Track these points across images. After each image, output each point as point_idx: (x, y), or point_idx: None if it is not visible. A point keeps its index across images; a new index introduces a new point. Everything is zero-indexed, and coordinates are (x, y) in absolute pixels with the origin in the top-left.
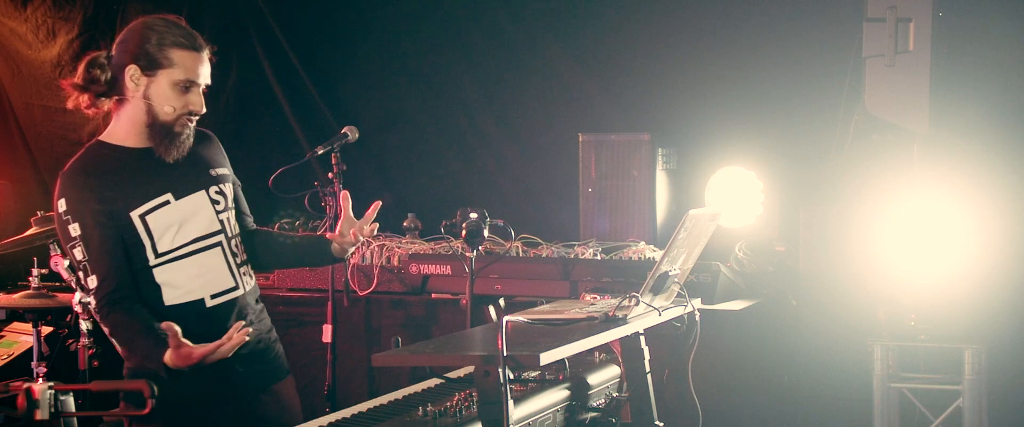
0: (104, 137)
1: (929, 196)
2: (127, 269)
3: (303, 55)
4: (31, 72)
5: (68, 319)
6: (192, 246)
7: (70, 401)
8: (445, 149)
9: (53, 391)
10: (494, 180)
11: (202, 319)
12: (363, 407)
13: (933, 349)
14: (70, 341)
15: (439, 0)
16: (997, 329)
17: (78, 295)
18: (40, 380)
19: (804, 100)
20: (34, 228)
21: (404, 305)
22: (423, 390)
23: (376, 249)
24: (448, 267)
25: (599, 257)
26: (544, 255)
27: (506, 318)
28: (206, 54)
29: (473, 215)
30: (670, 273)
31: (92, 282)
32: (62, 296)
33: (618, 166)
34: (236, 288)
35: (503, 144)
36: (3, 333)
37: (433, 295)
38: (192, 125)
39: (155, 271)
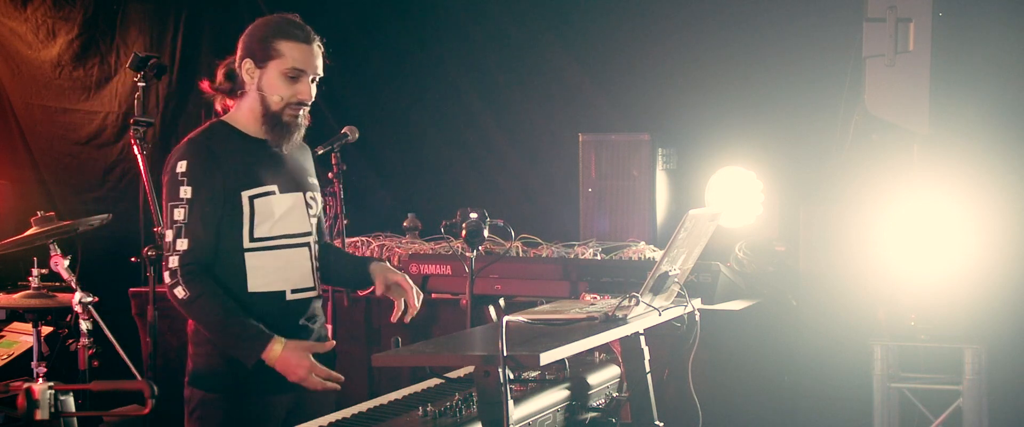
0: (227, 119)
1: (929, 196)
2: (215, 247)
3: None
4: (31, 72)
5: (68, 319)
6: (284, 240)
7: (70, 401)
8: (445, 149)
9: (53, 391)
10: (494, 180)
11: (280, 310)
12: (363, 407)
13: (933, 349)
14: (70, 341)
15: (440, 1)
16: (997, 329)
17: (78, 295)
18: (40, 380)
19: (804, 100)
20: (34, 228)
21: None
22: (423, 390)
23: (376, 249)
24: (448, 267)
25: (599, 257)
26: (544, 255)
27: (506, 318)
28: (315, 46)
29: (473, 215)
30: (670, 273)
31: (182, 244)
32: (62, 296)
33: (618, 166)
34: (313, 289)
35: (503, 144)
36: (3, 333)
37: (433, 295)
38: (302, 114)
39: (247, 255)
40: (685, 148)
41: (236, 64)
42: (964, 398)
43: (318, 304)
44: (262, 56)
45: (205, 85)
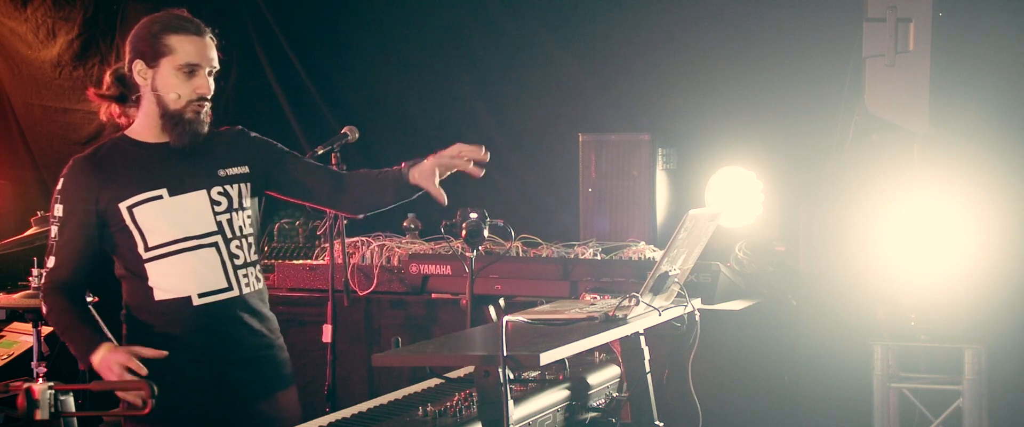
0: (128, 132)
1: (929, 196)
2: (85, 266)
3: (303, 55)
4: (31, 72)
5: None
6: (183, 243)
7: (70, 401)
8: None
9: (53, 391)
10: (494, 180)
11: (189, 317)
12: (363, 407)
13: (933, 349)
14: None
15: (440, 1)
16: (997, 329)
17: None
18: (40, 380)
19: (804, 100)
20: (34, 228)
21: (404, 305)
22: (423, 390)
23: (376, 249)
24: (448, 267)
25: (599, 257)
26: (544, 255)
27: (506, 318)
28: (207, 38)
29: (473, 215)
30: (670, 273)
31: (50, 262)
32: None
33: (618, 166)
34: (230, 289)
35: (503, 144)
36: (3, 333)
37: (433, 295)
38: (205, 110)
39: (147, 266)
40: (685, 148)
41: (126, 68)
42: (964, 398)
43: (251, 302)
44: (152, 54)
45: (90, 93)
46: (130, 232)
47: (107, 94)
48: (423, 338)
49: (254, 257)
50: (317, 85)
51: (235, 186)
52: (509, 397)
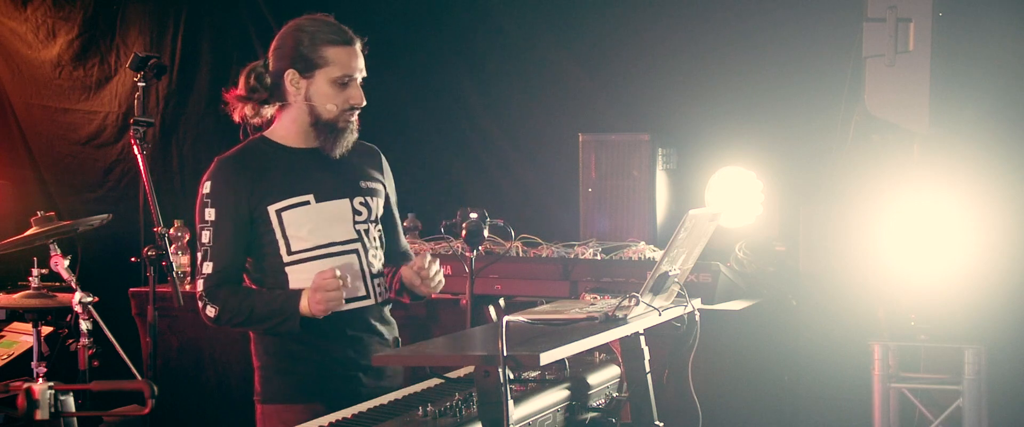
0: (268, 134)
1: (929, 196)
2: (241, 267)
3: None
4: (31, 72)
5: (68, 319)
6: (326, 249)
7: (70, 401)
8: (445, 149)
9: (53, 391)
10: (494, 180)
11: (327, 322)
12: (363, 407)
13: (933, 349)
14: (70, 341)
15: (439, 0)
16: (997, 329)
17: (78, 295)
18: (40, 380)
19: (804, 100)
20: (34, 228)
21: (404, 305)
22: (423, 390)
23: None
24: (448, 267)
25: (599, 257)
26: (544, 255)
27: (506, 318)
28: (358, 47)
29: (473, 215)
30: (670, 273)
31: (207, 267)
32: (62, 296)
33: (618, 166)
34: (367, 297)
35: (503, 144)
36: (3, 333)
37: (433, 295)
38: (355, 119)
39: (288, 269)
40: (685, 148)
41: (269, 71)
42: (964, 398)
43: (382, 310)
44: (306, 66)
45: (231, 95)
46: (274, 235)
47: (250, 97)
48: (423, 338)
49: (382, 269)
50: None
51: (373, 199)
52: (509, 397)
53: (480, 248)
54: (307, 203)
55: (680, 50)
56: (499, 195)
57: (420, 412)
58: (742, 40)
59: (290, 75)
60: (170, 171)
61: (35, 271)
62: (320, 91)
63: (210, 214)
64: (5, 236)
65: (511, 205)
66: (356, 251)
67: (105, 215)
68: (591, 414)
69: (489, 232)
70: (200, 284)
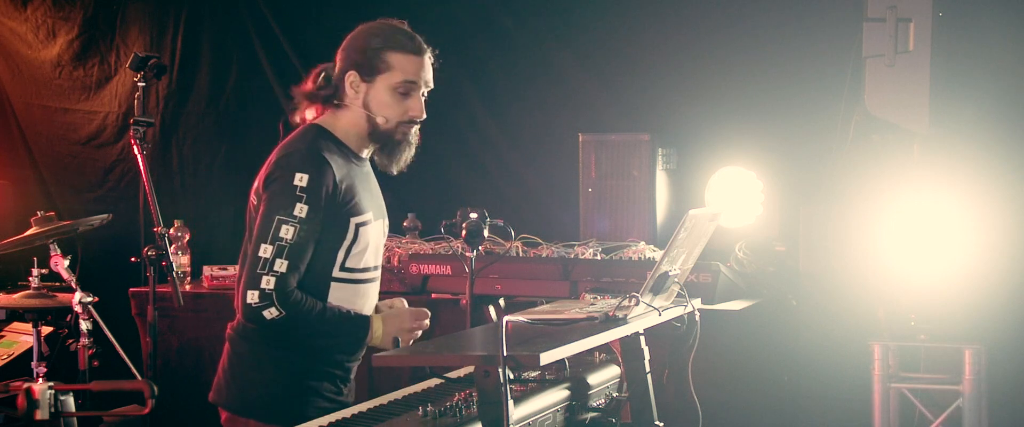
0: (326, 127)
1: (929, 196)
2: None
3: (304, 55)
4: (31, 72)
5: (68, 319)
6: (368, 274)
7: (70, 401)
8: (445, 149)
9: (53, 391)
10: (494, 180)
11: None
12: (363, 407)
13: (933, 349)
14: (70, 341)
15: (439, 0)
16: (997, 329)
17: (78, 295)
18: (40, 380)
19: (804, 100)
20: (34, 228)
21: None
22: (423, 390)
23: None
24: (448, 267)
25: (599, 257)
26: (544, 255)
27: (506, 318)
28: (427, 58)
29: (473, 215)
30: (670, 273)
31: (281, 266)
32: (62, 296)
33: (618, 166)
34: None
35: (503, 144)
36: (3, 333)
37: (433, 295)
38: (413, 132)
39: (332, 285)
40: (685, 148)
41: (336, 73)
42: (964, 398)
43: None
44: (369, 69)
45: (300, 90)
46: (340, 248)
47: (318, 95)
48: (423, 338)
49: None
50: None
51: (388, 221)
52: (509, 397)
53: (480, 248)
54: (370, 221)
55: (680, 50)
56: (499, 195)
57: (420, 412)
58: (742, 40)
59: (351, 77)
60: (170, 171)
61: (35, 271)
62: (378, 98)
63: (301, 210)
64: (5, 236)
65: (511, 205)
66: (378, 279)
67: (105, 215)
68: (591, 414)
69: (489, 232)
70: (269, 281)
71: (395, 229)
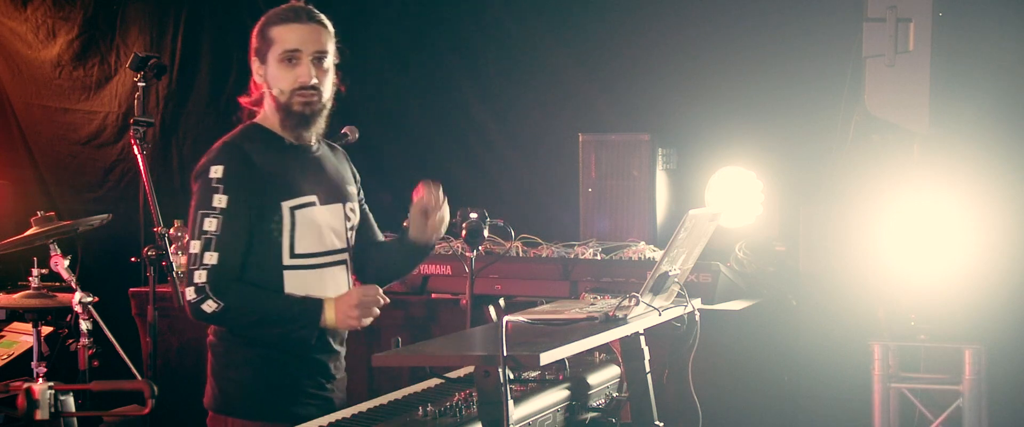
0: (259, 121)
1: (929, 196)
2: (243, 262)
3: None
4: (31, 72)
5: (68, 319)
6: (325, 258)
7: (70, 401)
8: (445, 149)
9: (53, 391)
10: (494, 180)
11: (321, 334)
12: (363, 407)
13: (933, 349)
14: (70, 341)
15: (439, 0)
16: (997, 329)
17: (78, 295)
18: (40, 380)
19: (804, 100)
20: (34, 228)
21: (404, 305)
22: (423, 390)
23: None
24: (448, 267)
25: (599, 257)
26: (544, 255)
27: (506, 318)
28: (313, 24)
29: (473, 215)
30: (670, 273)
31: (210, 258)
32: (62, 296)
33: (618, 166)
34: None
35: (503, 144)
36: (3, 333)
37: (433, 295)
38: (314, 100)
39: (286, 273)
40: (685, 148)
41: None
42: (964, 398)
43: (344, 333)
44: (262, 50)
45: (244, 101)
46: (282, 234)
47: (250, 98)
48: (423, 338)
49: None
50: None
51: (356, 205)
52: (509, 397)
53: (480, 248)
54: (313, 204)
55: (680, 50)
56: (499, 195)
57: (420, 412)
58: (742, 40)
59: (255, 65)
60: (170, 171)
61: (35, 271)
62: (272, 74)
63: (220, 201)
64: (5, 236)
65: (511, 205)
66: (344, 262)
67: (105, 215)
68: (591, 414)
69: (489, 232)
70: (201, 275)
71: (395, 229)
